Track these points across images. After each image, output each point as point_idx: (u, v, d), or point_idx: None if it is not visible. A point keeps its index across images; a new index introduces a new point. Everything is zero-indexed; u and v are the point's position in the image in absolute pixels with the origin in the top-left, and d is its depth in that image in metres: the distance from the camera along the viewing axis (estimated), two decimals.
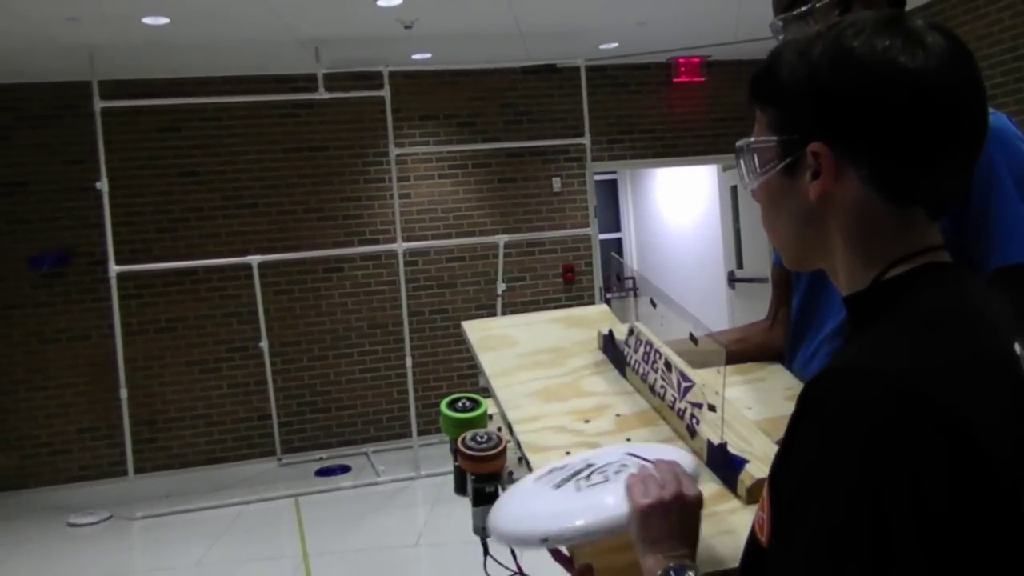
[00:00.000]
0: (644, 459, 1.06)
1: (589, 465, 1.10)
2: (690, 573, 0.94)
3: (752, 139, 0.95)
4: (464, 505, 1.33)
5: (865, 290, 0.88)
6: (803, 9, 1.45)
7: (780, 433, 1.31)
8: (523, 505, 1.09)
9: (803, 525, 0.77)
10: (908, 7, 1.45)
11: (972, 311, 0.85)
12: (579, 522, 0.99)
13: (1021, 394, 0.82)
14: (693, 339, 1.27)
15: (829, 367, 0.81)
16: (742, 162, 0.96)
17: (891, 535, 0.72)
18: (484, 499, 1.29)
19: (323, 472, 6.38)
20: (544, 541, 1.00)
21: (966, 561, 0.73)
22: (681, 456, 1.09)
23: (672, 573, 0.94)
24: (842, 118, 0.84)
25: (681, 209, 9.66)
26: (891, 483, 0.73)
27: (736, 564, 0.95)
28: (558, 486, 1.08)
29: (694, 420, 1.27)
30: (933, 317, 0.83)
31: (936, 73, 0.82)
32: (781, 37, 1.47)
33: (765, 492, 0.85)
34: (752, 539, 0.89)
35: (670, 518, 0.97)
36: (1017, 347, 0.86)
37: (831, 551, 0.74)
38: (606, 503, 1.00)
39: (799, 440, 0.80)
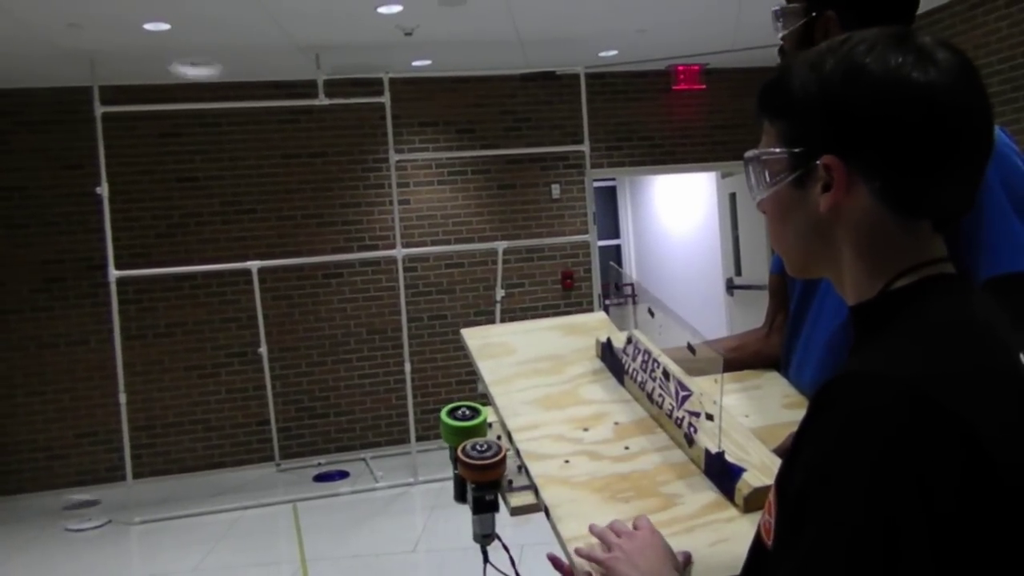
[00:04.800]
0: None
1: None
2: None
3: (761, 151, 0.96)
4: (462, 511, 1.34)
5: (872, 300, 0.89)
6: (777, 8, 1.51)
7: (777, 441, 1.33)
8: None
9: (812, 526, 0.77)
10: None
11: (977, 321, 0.86)
12: None
13: None
14: (691, 348, 1.28)
15: (842, 372, 0.82)
16: (751, 173, 0.98)
17: (903, 542, 0.73)
18: (484, 507, 1.30)
19: (321, 478, 6.38)
20: None
21: (975, 570, 0.74)
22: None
23: None
24: (855, 132, 0.86)
25: (680, 216, 9.67)
26: (904, 490, 0.73)
27: (734, 572, 0.96)
28: None
29: (692, 429, 1.28)
30: (941, 327, 0.84)
31: (947, 88, 0.84)
32: (780, 23, 1.53)
33: (772, 496, 0.86)
34: (757, 543, 0.89)
35: (633, 559, 1.03)
36: (1022, 357, 0.87)
37: (841, 555, 0.75)
38: None
39: (810, 442, 0.81)
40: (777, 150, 0.93)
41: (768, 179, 0.95)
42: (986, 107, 0.87)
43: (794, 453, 0.83)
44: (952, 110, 0.84)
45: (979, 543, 0.75)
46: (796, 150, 0.91)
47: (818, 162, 0.88)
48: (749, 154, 0.97)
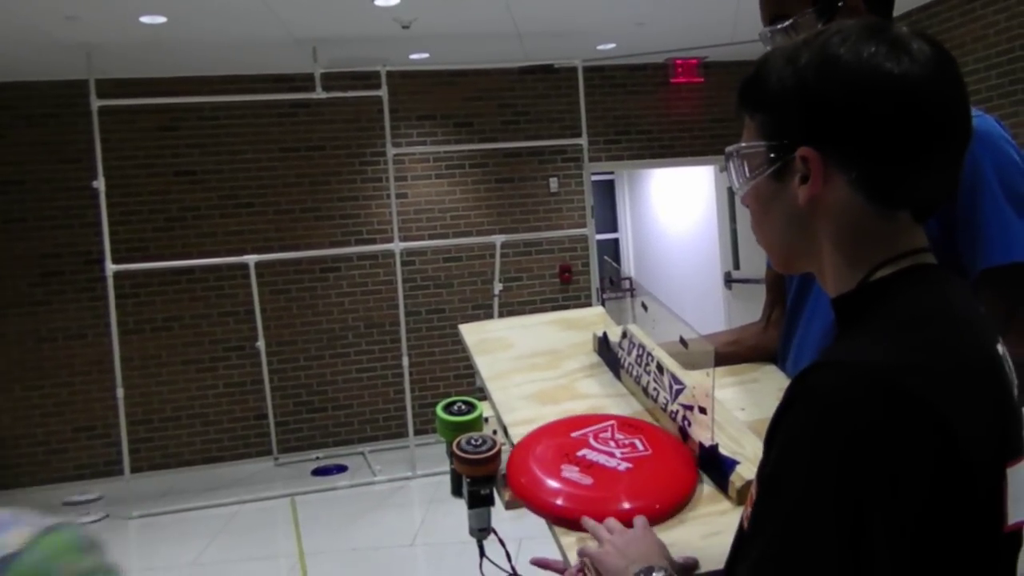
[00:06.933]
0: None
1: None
2: (657, 574, 0.96)
3: (741, 144, 0.96)
4: (461, 505, 1.34)
5: (852, 291, 0.90)
6: (786, 23, 1.47)
7: None
8: None
9: (782, 509, 0.78)
10: (904, 8, 1.47)
11: (956, 313, 0.86)
12: None
13: (1002, 396, 0.83)
14: (683, 342, 1.28)
15: (818, 361, 0.83)
16: (732, 167, 0.98)
17: (871, 529, 0.74)
18: (479, 501, 1.30)
19: (319, 472, 6.38)
20: None
21: (938, 561, 0.75)
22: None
23: (641, 574, 0.97)
24: (830, 123, 0.86)
25: (678, 210, 9.66)
26: (874, 478, 0.74)
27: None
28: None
29: (686, 422, 1.28)
30: (919, 318, 0.84)
31: (922, 78, 0.84)
32: (770, 47, 1.49)
33: (753, 489, 0.86)
34: (740, 534, 0.90)
35: (624, 551, 1.02)
36: (999, 348, 0.87)
37: (809, 537, 0.76)
38: None
39: (783, 428, 0.81)
40: (756, 143, 0.93)
41: (748, 172, 0.95)
42: (962, 97, 0.87)
43: (768, 438, 0.84)
44: (926, 100, 0.84)
45: (946, 536, 0.75)
46: (774, 143, 0.91)
47: (795, 154, 0.88)
48: (730, 148, 0.97)
